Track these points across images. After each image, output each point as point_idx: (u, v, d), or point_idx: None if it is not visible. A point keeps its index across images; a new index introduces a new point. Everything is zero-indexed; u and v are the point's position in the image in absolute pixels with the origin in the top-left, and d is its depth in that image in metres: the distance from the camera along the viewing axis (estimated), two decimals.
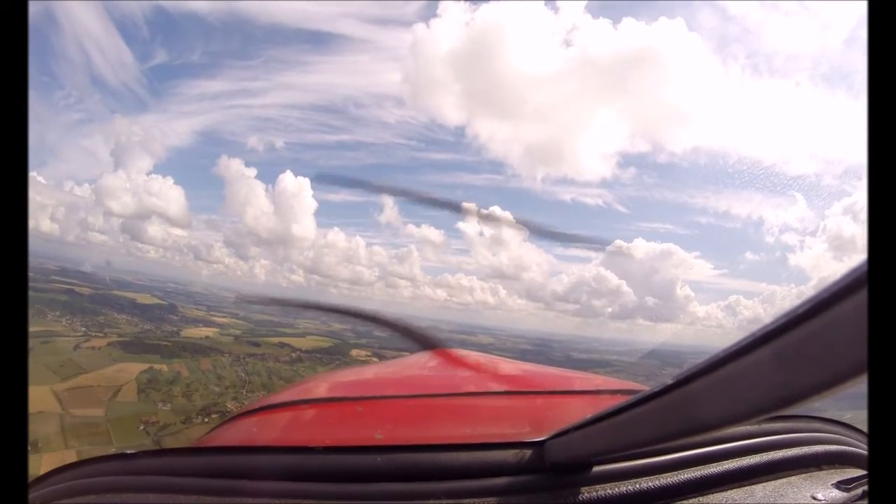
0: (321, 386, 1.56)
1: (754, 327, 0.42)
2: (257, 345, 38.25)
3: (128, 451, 0.84)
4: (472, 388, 1.34)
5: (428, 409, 1.11)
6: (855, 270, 0.36)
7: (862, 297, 0.35)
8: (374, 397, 1.19)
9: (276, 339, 39.63)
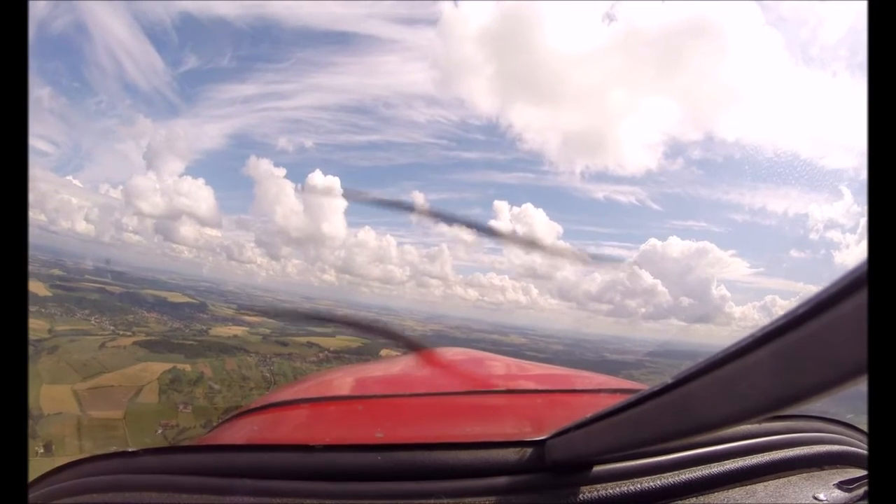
0: (322, 384, 1.52)
1: None
2: (285, 344, 37.49)
3: (128, 450, 0.83)
4: (473, 387, 1.29)
5: (429, 408, 1.08)
6: (855, 270, 0.36)
7: (862, 297, 0.35)
8: (375, 396, 1.17)
9: (304, 339, 38.93)
